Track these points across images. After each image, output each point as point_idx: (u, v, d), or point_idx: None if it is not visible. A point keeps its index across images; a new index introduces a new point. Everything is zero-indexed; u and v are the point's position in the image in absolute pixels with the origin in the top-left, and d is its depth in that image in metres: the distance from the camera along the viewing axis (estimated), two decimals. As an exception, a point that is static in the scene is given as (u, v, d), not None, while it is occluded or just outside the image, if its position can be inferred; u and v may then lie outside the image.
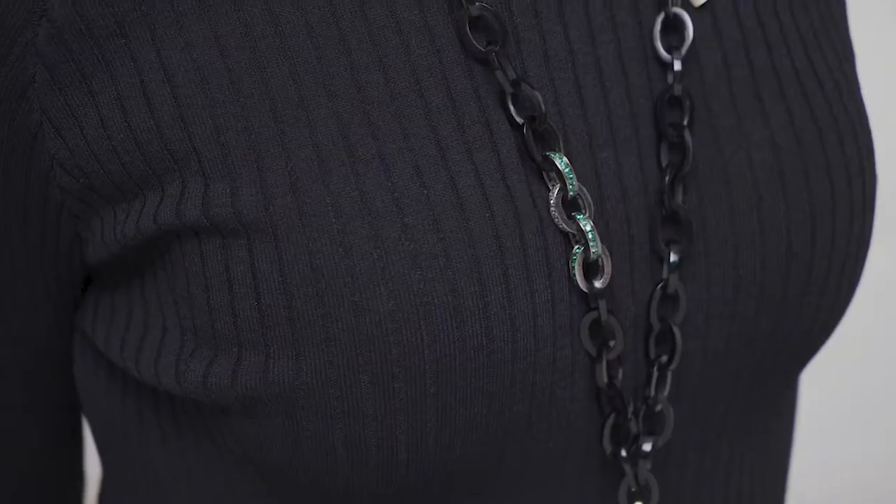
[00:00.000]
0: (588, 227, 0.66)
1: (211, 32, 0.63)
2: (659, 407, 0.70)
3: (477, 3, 0.65)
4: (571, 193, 0.66)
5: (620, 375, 0.69)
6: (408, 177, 0.64)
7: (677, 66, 0.69)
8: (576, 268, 0.66)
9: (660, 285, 0.68)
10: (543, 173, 0.66)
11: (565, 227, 0.66)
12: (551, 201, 0.66)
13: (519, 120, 0.66)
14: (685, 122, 0.69)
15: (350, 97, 0.64)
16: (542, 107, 0.65)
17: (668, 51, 0.69)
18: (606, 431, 0.69)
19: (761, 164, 0.70)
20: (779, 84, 0.71)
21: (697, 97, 0.70)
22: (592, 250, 0.66)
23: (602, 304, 0.67)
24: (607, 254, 0.67)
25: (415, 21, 0.65)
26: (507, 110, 0.66)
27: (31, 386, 0.77)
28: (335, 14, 0.64)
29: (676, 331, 0.69)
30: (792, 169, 0.71)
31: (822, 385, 1.52)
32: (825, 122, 0.72)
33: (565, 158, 0.66)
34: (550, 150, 0.66)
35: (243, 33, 0.63)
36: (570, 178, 0.66)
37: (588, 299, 0.67)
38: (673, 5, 0.69)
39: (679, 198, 0.68)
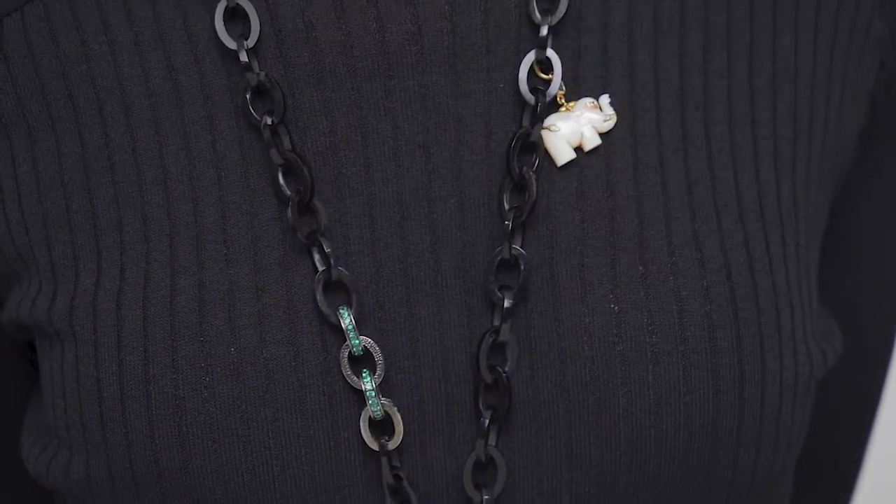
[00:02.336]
0: (368, 387, 0.66)
1: (54, 149, 0.68)
2: None
3: (289, 152, 0.66)
4: (355, 351, 0.66)
5: None
6: (190, 309, 0.66)
7: (508, 227, 0.66)
8: (361, 424, 0.66)
9: (474, 451, 0.66)
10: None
11: (352, 383, 0.66)
12: (340, 356, 0.66)
13: (321, 267, 0.66)
14: (516, 288, 0.66)
15: (160, 226, 0.67)
16: (331, 262, 0.66)
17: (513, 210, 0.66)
18: None
19: (601, 341, 0.66)
20: (641, 258, 0.67)
21: (545, 262, 0.67)
22: (373, 409, 0.66)
23: (384, 462, 0.66)
24: (396, 414, 0.66)
25: (235, 159, 0.67)
26: (311, 256, 0.66)
27: None
28: (161, 145, 0.67)
29: (486, 499, 0.66)
30: (637, 350, 0.66)
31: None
32: (693, 305, 0.66)
33: (350, 317, 0.66)
34: (345, 304, 0.66)
35: (80, 154, 0.68)
36: (352, 336, 0.66)
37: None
38: (524, 164, 0.67)
39: (510, 364, 0.66)
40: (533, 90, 0.67)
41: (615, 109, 0.68)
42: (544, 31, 0.67)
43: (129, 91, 0.67)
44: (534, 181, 0.66)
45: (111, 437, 0.66)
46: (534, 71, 0.67)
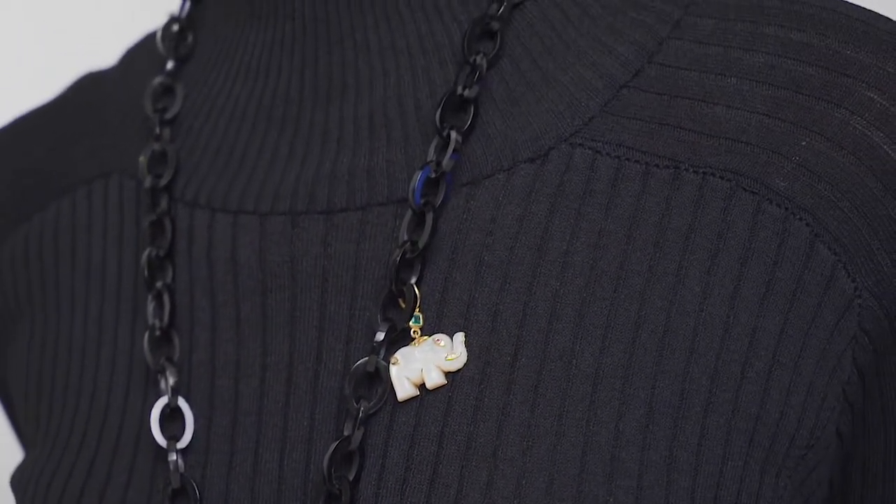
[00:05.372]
0: None
1: (41, 341, 0.78)
2: None
3: (166, 361, 0.71)
4: None
5: None
6: (84, 461, 0.72)
7: (326, 463, 0.66)
8: None
9: None
10: None
11: None
12: None
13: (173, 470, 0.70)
14: (352, 477, 0.65)
15: (82, 415, 0.74)
16: (173, 469, 0.69)
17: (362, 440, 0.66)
18: None
19: None
20: None
21: (370, 497, 0.65)
22: None
23: None
24: None
25: (142, 359, 0.73)
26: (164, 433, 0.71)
27: None
28: (100, 340, 0.75)
29: None
30: None
31: None
32: None
33: None
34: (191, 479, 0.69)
35: (53, 350, 0.77)
36: None
37: None
38: (363, 395, 0.67)
39: None
40: (388, 320, 0.67)
41: (471, 350, 0.65)
42: (397, 262, 0.67)
43: (78, 294, 0.76)
44: (359, 414, 0.66)
45: None
46: (396, 301, 0.67)
